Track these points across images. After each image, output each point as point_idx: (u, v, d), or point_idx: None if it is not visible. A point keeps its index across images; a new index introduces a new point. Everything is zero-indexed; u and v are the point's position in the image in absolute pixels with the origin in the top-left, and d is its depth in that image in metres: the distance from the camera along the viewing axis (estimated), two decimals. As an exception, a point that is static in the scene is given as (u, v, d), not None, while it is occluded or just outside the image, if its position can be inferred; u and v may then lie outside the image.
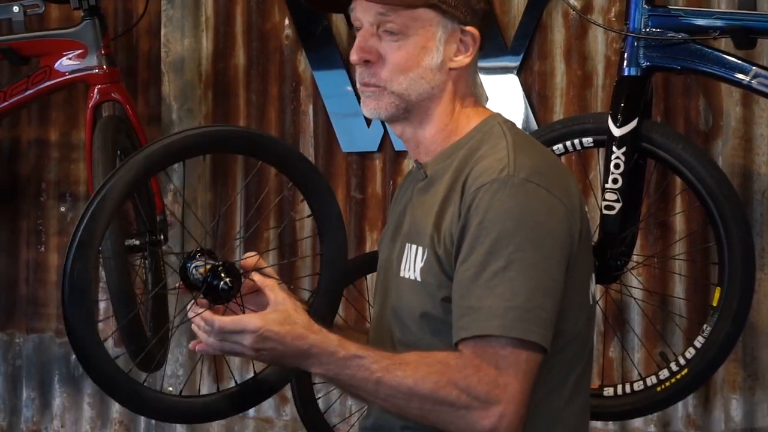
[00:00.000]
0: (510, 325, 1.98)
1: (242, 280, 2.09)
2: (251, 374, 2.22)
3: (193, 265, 2.09)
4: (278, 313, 2.03)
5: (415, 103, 2.17)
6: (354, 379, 2.01)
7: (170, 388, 3.78)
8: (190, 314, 2.06)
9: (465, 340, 2.01)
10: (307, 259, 3.67)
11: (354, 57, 2.18)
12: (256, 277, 2.11)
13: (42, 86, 3.55)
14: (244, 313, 2.07)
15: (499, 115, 2.21)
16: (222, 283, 2.06)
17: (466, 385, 1.98)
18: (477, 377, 1.98)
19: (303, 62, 3.76)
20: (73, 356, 3.97)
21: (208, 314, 2.03)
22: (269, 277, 2.13)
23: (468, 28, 2.16)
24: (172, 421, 2.47)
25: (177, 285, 2.13)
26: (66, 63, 3.52)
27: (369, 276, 3.24)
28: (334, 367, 2.01)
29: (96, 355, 2.05)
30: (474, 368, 1.99)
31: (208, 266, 2.07)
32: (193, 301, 2.07)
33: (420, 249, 2.13)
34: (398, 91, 2.15)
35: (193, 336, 2.09)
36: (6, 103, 3.58)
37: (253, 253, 2.17)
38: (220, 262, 2.08)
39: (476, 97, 2.23)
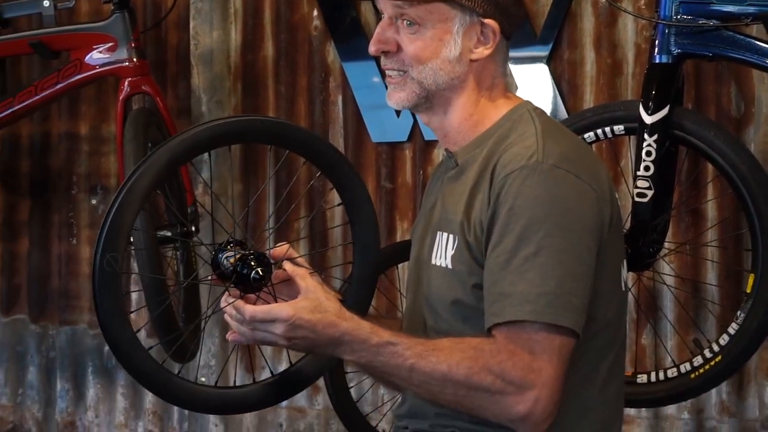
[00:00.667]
0: (542, 311, 1.99)
1: (273, 269, 2.10)
2: (285, 364, 2.22)
3: (224, 256, 2.10)
4: (309, 301, 2.04)
5: (435, 93, 2.18)
6: (387, 366, 2.02)
7: (203, 379, 3.80)
8: (222, 304, 2.07)
9: (498, 326, 2.02)
10: (337, 249, 3.68)
11: (372, 48, 2.20)
12: (287, 266, 2.12)
13: (72, 80, 3.57)
14: (276, 302, 2.08)
15: (528, 102, 2.22)
16: (253, 272, 2.07)
17: (501, 370, 1.98)
18: (511, 362, 1.99)
19: (332, 53, 3.76)
20: (106, 347, 3.98)
21: (239, 303, 2.04)
22: (300, 266, 2.13)
23: (487, 20, 2.16)
24: (207, 411, 2.47)
25: (209, 276, 2.14)
26: (96, 56, 3.54)
27: (400, 265, 3.25)
28: (367, 354, 2.02)
29: (129, 347, 2.06)
30: (508, 353, 1.99)
31: (238, 256, 2.08)
32: (225, 291, 2.08)
33: (451, 237, 2.13)
34: (418, 78, 2.16)
35: (226, 327, 2.11)
36: (37, 97, 3.60)
37: (283, 243, 2.18)
38: (251, 252, 2.08)
39: (506, 84, 2.23)
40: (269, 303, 2.08)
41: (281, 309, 2.02)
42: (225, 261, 2.09)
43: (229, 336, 2.08)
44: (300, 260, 2.18)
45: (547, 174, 2.04)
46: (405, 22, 2.16)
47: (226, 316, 2.07)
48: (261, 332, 2.03)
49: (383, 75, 2.25)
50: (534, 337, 2.00)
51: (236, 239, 2.12)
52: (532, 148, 2.07)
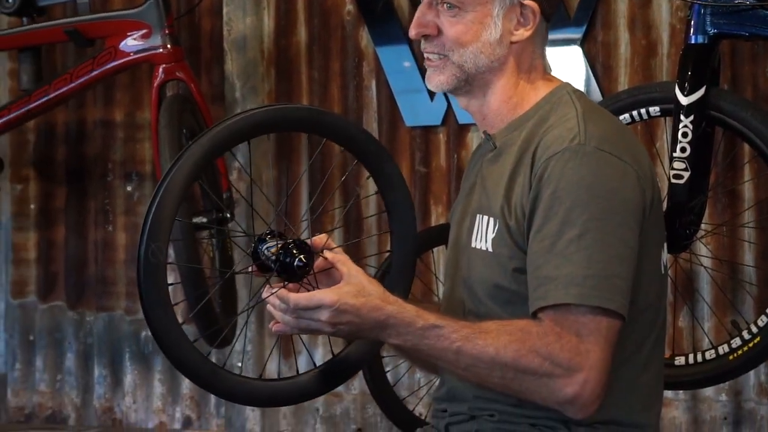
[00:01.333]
0: (588, 294, 1.98)
1: (315, 256, 2.10)
2: (320, 350, 2.22)
3: (264, 247, 2.10)
4: (352, 285, 2.03)
5: (475, 76, 2.17)
6: (433, 350, 2.01)
7: (239, 364, 3.82)
8: (265, 294, 2.07)
9: (543, 310, 2.01)
10: (373, 237, 3.68)
11: (412, 32, 2.19)
12: (327, 254, 2.12)
13: (107, 67, 3.59)
14: (317, 289, 2.08)
15: (568, 84, 2.21)
16: (296, 260, 2.06)
17: (548, 352, 1.98)
18: (559, 344, 1.98)
19: (365, 38, 3.76)
20: (144, 333, 4.02)
21: (283, 292, 2.04)
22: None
23: (527, 2, 2.16)
24: (252, 404, 2.43)
25: (250, 269, 2.14)
26: (131, 43, 3.55)
27: (435, 249, 3.25)
28: (412, 337, 2.01)
29: (174, 338, 2.06)
30: (555, 336, 1.98)
31: (280, 245, 2.08)
32: (266, 282, 2.09)
33: (491, 220, 2.13)
34: (458, 62, 2.16)
35: (262, 314, 2.11)
36: (72, 85, 3.62)
37: (322, 234, 2.18)
38: (292, 240, 2.09)
39: (545, 66, 2.22)
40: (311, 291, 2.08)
41: (325, 294, 2.01)
42: (266, 251, 2.09)
43: (273, 327, 2.07)
44: (338, 250, 2.18)
45: (590, 156, 2.03)
46: (445, 5, 2.16)
47: (268, 307, 2.06)
48: (305, 320, 2.02)
49: (417, 58, 2.25)
50: (581, 320, 1.99)
51: (275, 230, 2.12)
52: (574, 131, 2.06)
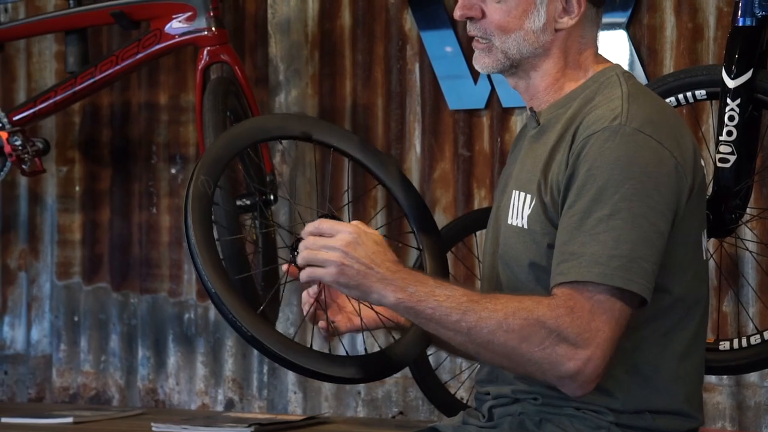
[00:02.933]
0: (612, 274, 1.97)
1: None
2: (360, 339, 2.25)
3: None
4: (377, 235, 2.05)
5: (521, 60, 2.17)
6: (439, 309, 1.99)
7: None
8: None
9: (562, 285, 2.00)
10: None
11: (457, 13, 2.20)
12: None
13: (153, 49, 3.60)
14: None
15: (618, 66, 2.20)
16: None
17: (557, 324, 1.96)
18: (569, 318, 1.97)
19: (409, 21, 3.76)
20: (187, 315, 4.04)
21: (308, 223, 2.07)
22: None
23: None
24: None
25: (286, 269, 2.16)
26: (176, 26, 3.56)
27: (478, 233, 3.25)
28: (420, 295, 2.00)
29: (209, 251, 2.10)
30: (567, 309, 1.97)
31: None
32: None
33: (528, 196, 2.12)
34: (503, 48, 2.17)
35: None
36: (118, 67, 3.63)
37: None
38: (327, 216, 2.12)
39: (596, 48, 2.21)
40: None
41: (351, 225, 2.04)
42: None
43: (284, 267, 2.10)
44: None
45: (629, 137, 2.02)
46: None
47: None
48: (319, 251, 2.02)
49: (461, 41, 2.26)
50: (596, 297, 1.98)
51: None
52: (617, 111, 2.06)
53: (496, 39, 2.16)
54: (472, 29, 2.20)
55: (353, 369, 2.12)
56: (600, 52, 2.23)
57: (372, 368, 2.16)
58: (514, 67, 2.18)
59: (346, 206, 3.53)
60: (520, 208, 2.13)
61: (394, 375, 3.75)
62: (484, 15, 2.17)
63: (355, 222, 2.07)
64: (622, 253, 1.98)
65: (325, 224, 2.04)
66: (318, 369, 2.09)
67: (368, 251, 2.01)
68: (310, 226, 2.06)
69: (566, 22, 2.16)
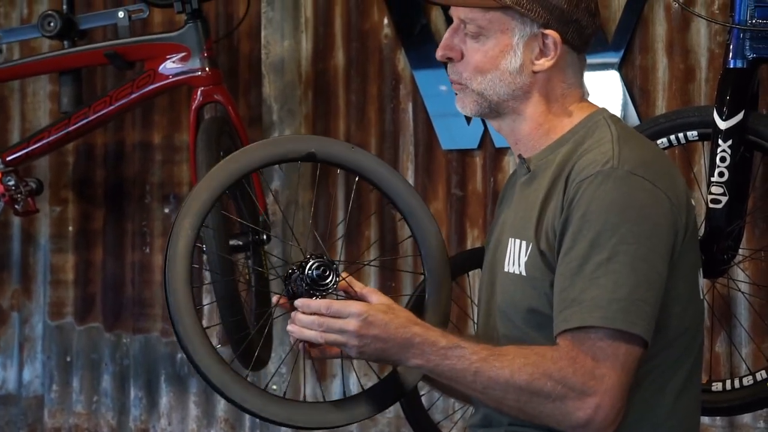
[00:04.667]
0: (613, 317, 1.98)
1: (338, 277, 2.12)
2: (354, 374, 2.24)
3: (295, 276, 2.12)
4: (382, 302, 2.07)
5: (498, 103, 2.18)
6: (453, 371, 2.02)
7: (274, 387, 3.82)
8: (296, 302, 2.08)
9: (564, 333, 2.01)
10: (408, 258, 3.68)
11: (438, 53, 2.22)
12: (355, 284, 2.14)
13: (146, 89, 3.61)
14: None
15: (604, 110, 2.20)
16: (318, 271, 2.09)
17: (561, 376, 1.97)
18: (572, 368, 1.97)
19: (402, 61, 3.77)
20: (179, 355, 4.03)
21: (308, 300, 2.06)
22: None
23: (548, 31, 2.15)
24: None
25: (277, 301, 2.15)
26: (170, 66, 3.57)
27: (471, 273, 3.24)
28: (436, 357, 2.02)
29: (183, 292, 2.11)
30: (570, 360, 1.98)
31: (308, 257, 2.11)
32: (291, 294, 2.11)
33: (524, 243, 2.13)
34: (478, 90, 2.17)
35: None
36: (111, 107, 3.64)
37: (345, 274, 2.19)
38: (323, 261, 2.11)
39: (580, 93, 2.22)
40: None
41: (356, 304, 2.04)
42: (298, 280, 2.12)
43: (290, 328, 2.08)
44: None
45: (622, 180, 2.03)
46: (469, 30, 2.17)
47: (294, 314, 2.07)
48: (332, 332, 2.03)
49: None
50: (599, 344, 1.98)
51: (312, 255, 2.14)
52: (608, 154, 2.06)
53: (471, 81, 2.17)
54: (451, 72, 2.22)
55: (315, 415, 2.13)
56: (589, 95, 2.24)
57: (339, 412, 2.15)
58: (494, 110, 2.19)
59: (340, 240, 3.54)
60: (516, 255, 2.14)
61: (387, 415, 3.76)
62: (463, 56, 2.18)
63: (364, 290, 2.10)
64: (622, 296, 1.98)
65: (334, 306, 2.04)
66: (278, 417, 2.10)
67: (380, 326, 2.03)
68: (319, 306, 2.05)
69: (543, 64, 2.16)
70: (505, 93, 2.16)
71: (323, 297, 2.10)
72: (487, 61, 2.15)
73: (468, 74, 2.17)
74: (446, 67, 3.58)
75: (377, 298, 2.10)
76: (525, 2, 2.13)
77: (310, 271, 2.09)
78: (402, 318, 2.04)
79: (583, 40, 2.19)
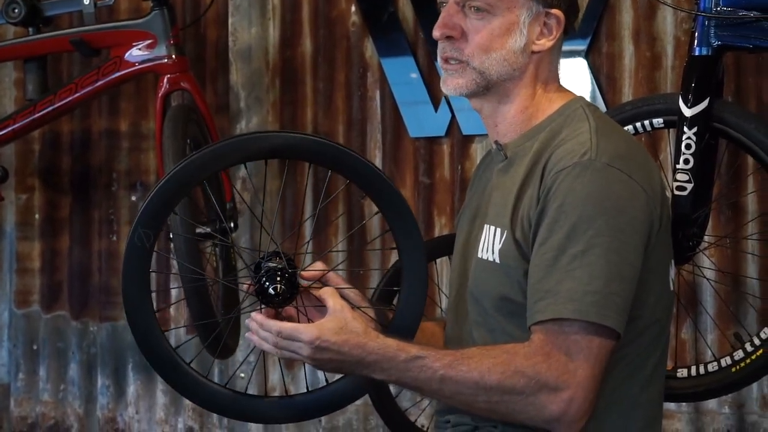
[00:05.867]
0: (587, 310, 1.98)
1: (298, 290, 2.09)
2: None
3: (265, 264, 2.10)
4: (335, 321, 2.03)
5: (495, 83, 2.16)
6: (417, 381, 2.02)
7: (242, 375, 3.81)
8: (253, 314, 2.07)
9: (537, 325, 2.01)
10: (377, 251, 3.68)
11: (437, 33, 2.17)
12: (315, 290, 2.11)
13: (112, 77, 3.59)
14: (305, 320, 2.08)
15: (582, 98, 2.20)
16: (271, 287, 2.07)
17: (535, 372, 1.98)
18: (546, 364, 1.98)
19: (370, 49, 3.76)
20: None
21: (261, 317, 2.04)
22: (335, 285, 2.13)
23: (553, 10, 2.15)
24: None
25: (246, 286, 2.14)
26: (136, 53, 3.56)
27: (438, 260, 3.25)
28: (396, 371, 2.02)
29: (146, 324, 2.11)
30: (544, 355, 1.98)
31: (266, 268, 2.08)
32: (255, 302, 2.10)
33: (498, 230, 2.12)
34: (480, 68, 2.14)
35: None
36: (77, 94, 3.62)
37: (319, 265, 2.17)
38: (280, 267, 2.08)
39: (559, 79, 2.22)
40: (300, 319, 2.10)
41: (307, 330, 2.01)
42: (263, 268, 2.10)
43: (249, 336, 2.07)
44: (333, 276, 2.17)
45: (599, 172, 2.03)
46: (473, 8, 2.14)
47: (249, 322, 2.07)
48: (288, 352, 2.03)
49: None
50: (573, 337, 1.99)
51: (282, 252, 2.11)
52: (586, 145, 2.06)
53: (474, 59, 2.14)
54: (448, 50, 2.17)
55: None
56: (561, 81, 2.24)
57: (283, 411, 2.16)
58: (487, 89, 2.16)
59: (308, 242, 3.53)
60: (491, 242, 2.13)
61: (355, 403, 3.76)
62: (463, 35, 2.16)
63: (324, 294, 2.07)
64: (596, 289, 1.99)
65: (285, 332, 2.02)
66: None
67: (333, 350, 2.01)
68: (270, 328, 2.03)
69: (543, 44, 2.16)
70: (505, 72, 2.15)
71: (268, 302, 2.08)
72: (494, 39, 2.14)
73: (471, 51, 2.14)
74: (414, 55, 3.62)
75: (333, 303, 2.06)
76: None
77: (267, 284, 2.07)
78: (356, 337, 2.02)
79: (573, 21, 2.19)
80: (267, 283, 2.07)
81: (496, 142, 2.21)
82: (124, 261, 2.08)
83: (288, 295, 2.08)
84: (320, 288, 2.11)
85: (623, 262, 2.01)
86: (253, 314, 2.05)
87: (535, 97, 2.18)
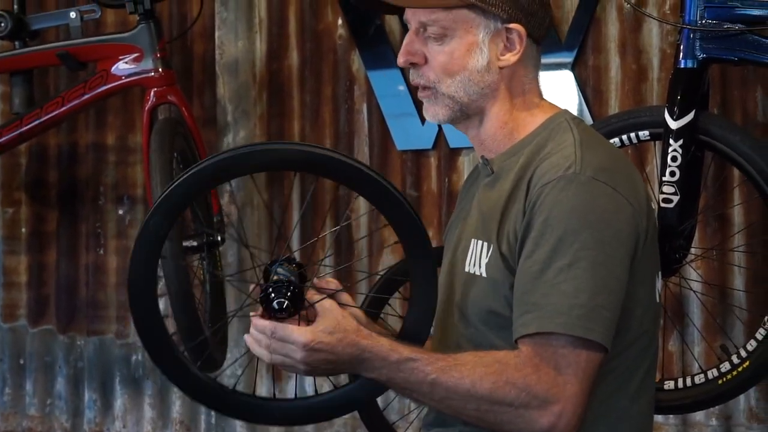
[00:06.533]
0: (573, 323, 1.98)
1: (301, 307, 2.07)
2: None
3: (275, 269, 2.08)
4: (327, 322, 2.01)
5: (468, 104, 2.16)
6: (408, 383, 2.01)
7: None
8: (252, 313, 2.06)
9: (524, 338, 2.01)
10: (363, 249, 3.68)
11: (400, 60, 2.19)
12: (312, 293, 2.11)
13: (99, 90, 3.59)
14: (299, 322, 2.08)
15: (567, 111, 2.20)
16: (276, 301, 2.05)
17: (526, 384, 1.98)
18: (536, 376, 1.98)
19: (357, 62, 3.77)
20: (134, 357, 4.01)
21: (259, 320, 2.03)
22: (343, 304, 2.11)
23: (512, 25, 2.15)
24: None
25: (254, 286, 2.12)
26: (122, 67, 3.55)
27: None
28: (387, 371, 2.01)
29: (148, 302, 2.07)
30: (533, 367, 1.98)
31: (275, 278, 2.07)
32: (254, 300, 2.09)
33: (485, 244, 2.12)
34: (448, 92, 2.15)
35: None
36: (64, 108, 3.61)
37: (333, 284, 2.14)
38: (292, 282, 2.06)
39: (540, 90, 2.22)
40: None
41: (301, 333, 2.00)
42: (274, 273, 2.08)
43: (246, 337, 2.06)
44: (344, 296, 2.15)
45: (585, 185, 2.03)
46: (431, 32, 2.15)
47: (248, 335, 2.06)
48: (280, 356, 2.02)
49: (408, 81, 2.24)
50: (561, 351, 1.99)
51: (297, 260, 2.09)
52: (570, 159, 2.06)
53: (440, 84, 2.15)
54: (415, 77, 2.18)
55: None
56: (544, 93, 2.24)
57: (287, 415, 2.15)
58: (464, 112, 2.17)
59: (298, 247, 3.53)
60: (478, 257, 2.13)
61: (343, 416, 3.75)
62: (426, 60, 2.17)
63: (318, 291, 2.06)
64: (583, 303, 1.98)
65: (278, 333, 2.01)
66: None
67: (327, 350, 2.00)
68: (264, 328, 2.02)
69: (509, 58, 2.16)
70: (474, 92, 2.15)
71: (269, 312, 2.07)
72: (454, 62, 2.14)
73: (435, 76, 2.14)
74: (402, 69, 3.62)
75: (323, 303, 2.04)
76: None
77: (272, 295, 2.05)
78: (349, 335, 2.01)
79: (542, 32, 2.19)
80: (273, 295, 2.05)
81: (482, 157, 2.22)
82: (134, 248, 2.05)
83: (291, 311, 2.06)
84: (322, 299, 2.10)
85: (610, 275, 2.01)
86: (253, 318, 2.05)
87: (513, 112, 2.18)
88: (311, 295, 2.07)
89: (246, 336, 2.06)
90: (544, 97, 2.23)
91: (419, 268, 2.08)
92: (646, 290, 2.11)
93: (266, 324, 2.02)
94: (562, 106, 2.23)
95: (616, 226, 2.03)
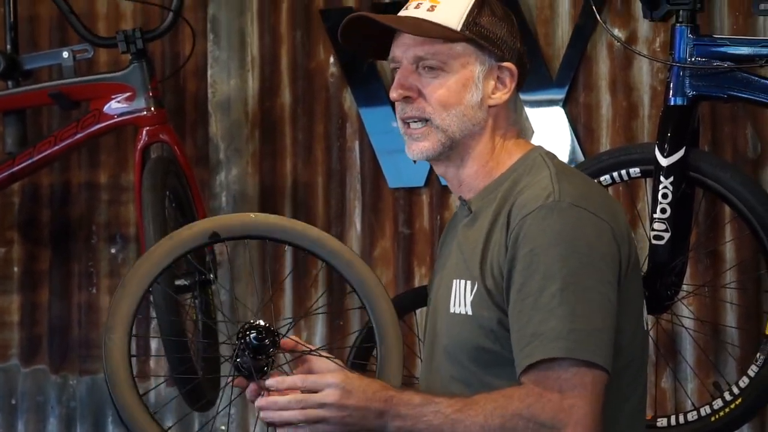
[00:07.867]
0: (573, 347, 1.99)
1: (271, 365, 2.07)
2: None
3: (249, 335, 2.08)
4: (343, 372, 2.04)
5: (458, 141, 2.17)
6: (431, 427, 2.02)
7: (222, 427, 3.80)
8: (269, 382, 2.06)
9: (528, 369, 2.01)
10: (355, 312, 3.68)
11: (394, 94, 2.19)
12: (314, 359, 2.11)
13: (91, 129, 3.59)
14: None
15: (540, 147, 2.22)
16: (258, 334, 2.06)
17: (531, 413, 1.98)
18: (540, 404, 1.98)
19: (348, 99, 3.78)
20: (126, 397, 3.99)
21: (280, 378, 2.04)
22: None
23: (505, 63, 2.17)
24: None
25: (230, 382, 2.12)
26: (115, 106, 3.56)
27: (418, 311, 3.25)
28: (413, 417, 2.02)
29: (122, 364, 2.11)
30: (536, 396, 1.99)
31: (251, 335, 2.07)
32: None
33: (468, 283, 2.13)
34: (442, 126, 2.15)
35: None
36: (56, 147, 3.62)
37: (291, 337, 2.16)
38: (260, 339, 2.06)
39: (518, 130, 2.23)
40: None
41: (332, 374, 2.03)
42: (247, 339, 2.08)
43: (264, 414, 2.04)
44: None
45: (566, 212, 2.04)
46: (427, 68, 2.16)
47: (263, 409, 2.04)
48: (312, 409, 2.01)
49: (403, 124, 2.23)
50: (563, 376, 1.99)
51: (267, 328, 2.09)
52: (548, 189, 2.07)
53: (435, 117, 2.15)
54: (408, 110, 2.18)
55: None
56: (534, 132, 2.26)
57: None
58: (451, 149, 2.17)
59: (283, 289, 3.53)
60: (462, 296, 2.14)
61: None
62: (420, 94, 2.17)
63: (329, 365, 2.08)
64: (580, 327, 1.99)
65: (310, 378, 2.03)
66: None
67: (359, 393, 2.02)
68: (295, 380, 2.03)
69: (499, 97, 2.17)
70: (466, 128, 2.16)
71: (272, 360, 2.06)
72: (452, 95, 2.15)
73: (431, 108, 2.15)
74: (393, 106, 3.63)
75: (327, 362, 2.08)
76: (485, 35, 2.14)
77: (248, 340, 2.05)
78: (376, 382, 2.04)
79: (525, 75, 2.21)
80: (254, 337, 2.05)
81: (460, 197, 2.22)
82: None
83: (273, 343, 2.06)
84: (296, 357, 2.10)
85: (601, 297, 2.02)
86: (270, 380, 2.04)
87: (494, 151, 2.19)
88: (300, 348, 2.09)
89: (266, 413, 2.03)
90: (524, 135, 2.25)
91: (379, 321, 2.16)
92: (631, 318, 2.12)
93: (294, 376, 2.03)
94: (538, 143, 2.25)
95: (601, 249, 2.04)
